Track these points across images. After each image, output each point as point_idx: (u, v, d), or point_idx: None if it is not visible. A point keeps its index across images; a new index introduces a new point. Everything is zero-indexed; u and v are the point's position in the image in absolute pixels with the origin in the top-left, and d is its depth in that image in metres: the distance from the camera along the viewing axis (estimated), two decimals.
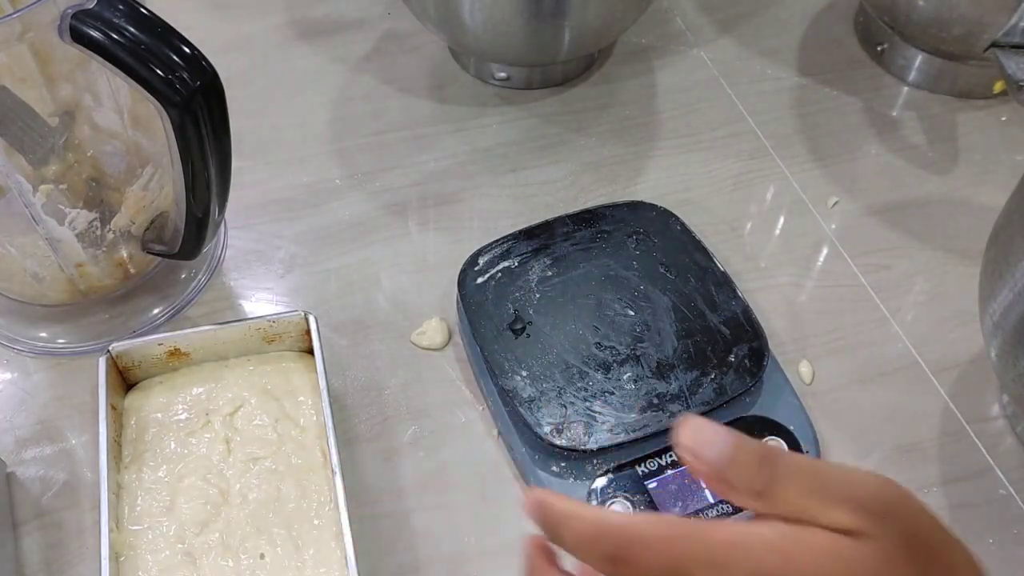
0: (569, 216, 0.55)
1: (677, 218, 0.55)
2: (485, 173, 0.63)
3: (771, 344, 0.51)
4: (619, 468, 0.47)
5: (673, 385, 0.49)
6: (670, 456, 0.47)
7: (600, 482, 0.46)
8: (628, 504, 0.45)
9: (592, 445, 0.46)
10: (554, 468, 0.46)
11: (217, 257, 0.58)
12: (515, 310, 0.51)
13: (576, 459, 0.46)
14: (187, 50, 0.40)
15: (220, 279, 0.57)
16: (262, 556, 0.42)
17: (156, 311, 0.54)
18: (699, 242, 0.54)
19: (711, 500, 0.46)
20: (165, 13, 0.40)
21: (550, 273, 0.52)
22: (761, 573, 0.24)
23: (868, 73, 0.69)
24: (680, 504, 0.46)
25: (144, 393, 0.47)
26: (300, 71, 0.70)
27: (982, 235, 0.59)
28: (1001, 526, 0.47)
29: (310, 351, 0.49)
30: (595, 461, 0.47)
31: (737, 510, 0.45)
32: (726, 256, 0.57)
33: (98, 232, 0.48)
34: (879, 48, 0.69)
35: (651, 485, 0.46)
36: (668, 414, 0.48)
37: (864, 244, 0.59)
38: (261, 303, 0.56)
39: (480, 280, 0.52)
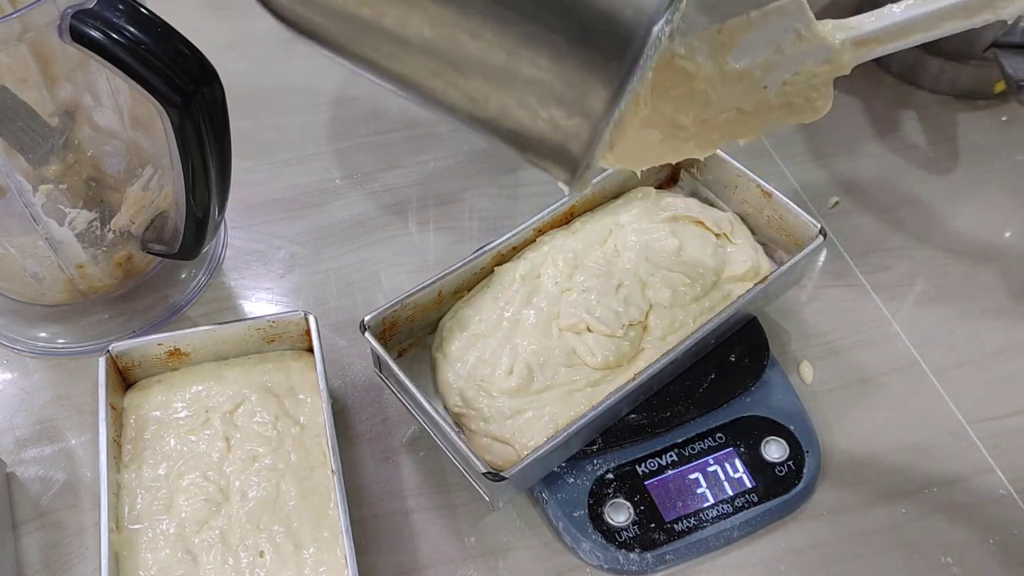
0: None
1: None
2: (485, 173, 0.63)
3: (771, 344, 0.51)
4: (619, 468, 0.47)
5: (673, 385, 0.49)
6: (670, 456, 0.47)
7: (600, 482, 0.46)
8: (628, 504, 0.45)
9: (593, 445, 0.46)
10: (555, 467, 0.46)
11: (217, 257, 0.58)
12: None
13: (576, 458, 0.46)
14: (187, 50, 0.40)
15: (220, 279, 0.57)
16: (262, 554, 0.42)
17: (156, 311, 0.54)
18: None
19: (712, 500, 0.46)
20: (165, 13, 0.40)
21: None
22: None
23: (868, 73, 0.69)
24: (680, 504, 0.46)
25: (143, 391, 0.47)
26: (300, 71, 0.70)
27: (982, 235, 0.60)
28: (1001, 526, 0.47)
29: (310, 350, 0.49)
30: (595, 461, 0.47)
31: (737, 510, 0.45)
32: None
33: (98, 232, 0.48)
34: None
35: (651, 485, 0.46)
36: (668, 414, 0.48)
37: (864, 244, 0.59)
38: (261, 303, 0.56)
39: None
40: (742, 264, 0.51)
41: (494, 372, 0.46)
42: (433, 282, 0.48)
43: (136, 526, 0.42)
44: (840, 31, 0.35)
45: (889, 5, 0.35)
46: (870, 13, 0.36)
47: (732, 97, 0.36)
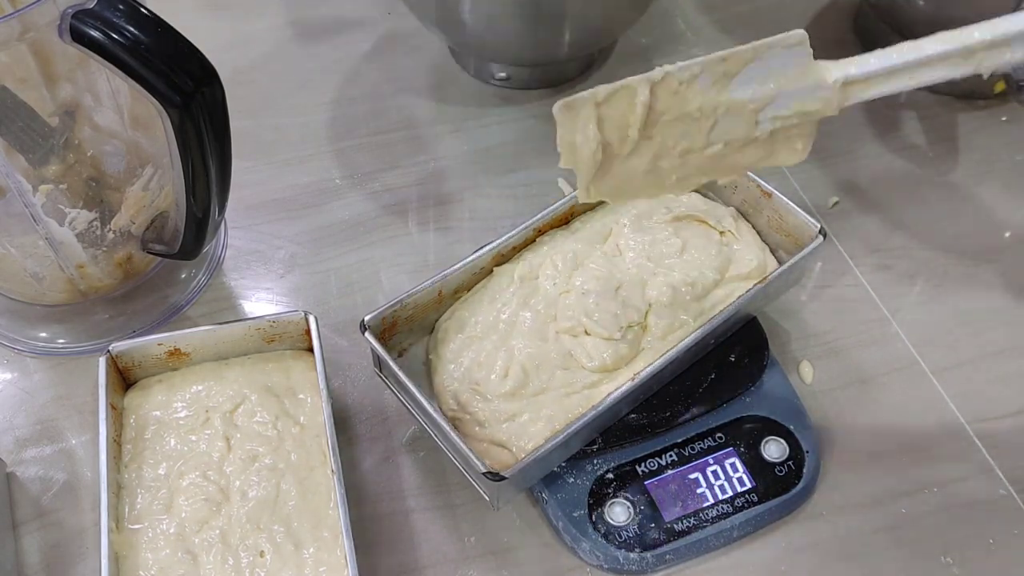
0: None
1: None
2: (484, 173, 0.63)
3: (771, 344, 0.51)
4: (619, 468, 0.47)
5: (673, 385, 0.49)
6: (670, 456, 0.47)
7: (600, 482, 0.46)
8: (628, 504, 0.45)
9: (593, 445, 0.46)
10: (555, 467, 0.46)
11: (217, 257, 0.58)
12: None
13: (576, 458, 0.46)
14: (187, 50, 0.40)
15: (220, 279, 0.57)
16: (262, 554, 0.42)
17: (156, 311, 0.54)
18: None
19: (711, 500, 0.46)
20: (165, 13, 0.40)
21: None
22: None
23: None
24: (680, 504, 0.46)
25: (143, 391, 0.47)
26: (300, 71, 0.70)
27: (982, 235, 0.60)
28: (1001, 526, 0.47)
29: (310, 350, 0.49)
30: (595, 461, 0.47)
31: (737, 510, 0.45)
32: None
33: (98, 232, 0.48)
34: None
35: (651, 485, 0.46)
36: (668, 414, 0.48)
37: (864, 244, 0.59)
38: (261, 303, 0.56)
39: None
40: (747, 263, 0.51)
41: (488, 375, 0.46)
42: (433, 282, 0.48)
43: (136, 526, 0.42)
44: (836, 69, 0.37)
45: (887, 48, 0.37)
46: (866, 55, 0.37)
47: (723, 129, 0.37)
